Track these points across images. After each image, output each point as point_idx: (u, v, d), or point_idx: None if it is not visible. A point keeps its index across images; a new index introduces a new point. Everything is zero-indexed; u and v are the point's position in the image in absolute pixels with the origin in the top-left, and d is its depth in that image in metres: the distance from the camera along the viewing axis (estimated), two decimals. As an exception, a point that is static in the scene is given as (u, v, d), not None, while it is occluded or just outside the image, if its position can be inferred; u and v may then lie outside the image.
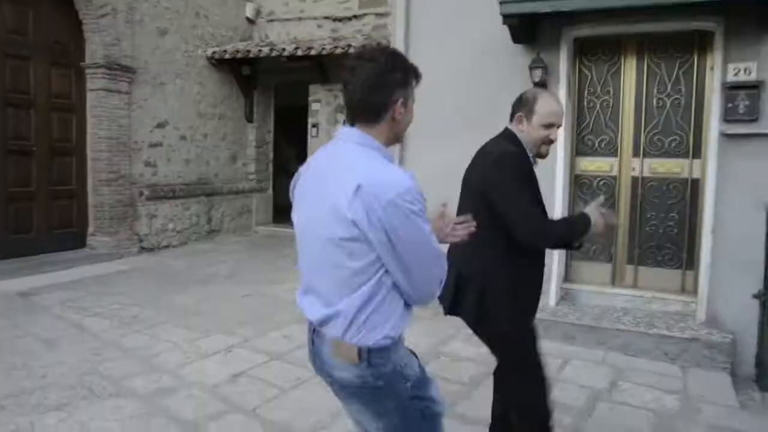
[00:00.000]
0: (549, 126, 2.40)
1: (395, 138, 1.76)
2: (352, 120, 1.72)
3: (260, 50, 8.97)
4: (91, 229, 7.52)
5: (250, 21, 10.25)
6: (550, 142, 2.43)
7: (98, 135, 7.36)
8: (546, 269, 2.58)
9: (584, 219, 2.35)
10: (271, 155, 10.81)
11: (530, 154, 2.44)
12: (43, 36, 6.95)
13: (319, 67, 9.22)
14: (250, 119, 10.28)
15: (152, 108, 8.11)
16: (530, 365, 2.40)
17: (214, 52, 9.17)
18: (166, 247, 8.38)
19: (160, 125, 8.31)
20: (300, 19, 10.08)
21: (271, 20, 10.30)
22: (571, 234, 2.38)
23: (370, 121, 1.69)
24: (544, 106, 2.41)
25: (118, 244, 7.51)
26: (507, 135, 2.46)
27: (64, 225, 7.33)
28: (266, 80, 10.25)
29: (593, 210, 2.37)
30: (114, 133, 7.45)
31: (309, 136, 9.81)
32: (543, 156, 2.48)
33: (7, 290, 5.63)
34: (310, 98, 9.77)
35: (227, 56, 9.15)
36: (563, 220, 2.62)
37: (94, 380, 3.65)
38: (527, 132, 2.42)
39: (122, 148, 7.59)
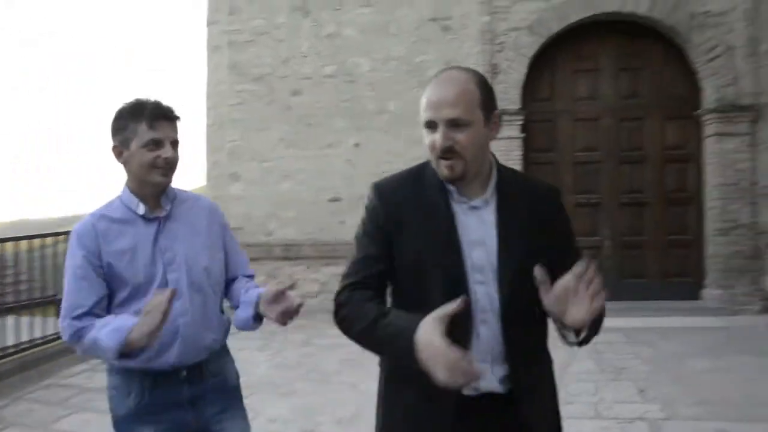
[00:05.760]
0: None
1: (138, 184, 1.71)
2: None
3: None
4: (707, 280, 7.18)
5: None
6: None
7: (710, 183, 7.02)
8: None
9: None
10: None
11: None
12: (656, 94, 7.28)
13: None
14: None
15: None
16: None
17: None
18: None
19: None
20: None
21: None
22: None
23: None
24: None
25: (731, 299, 6.84)
26: None
27: (678, 274, 7.32)
28: None
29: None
30: (729, 179, 6.91)
31: None
32: None
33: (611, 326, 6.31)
34: None
35: None
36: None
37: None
38: None
39: (740, 195, 6.93)
